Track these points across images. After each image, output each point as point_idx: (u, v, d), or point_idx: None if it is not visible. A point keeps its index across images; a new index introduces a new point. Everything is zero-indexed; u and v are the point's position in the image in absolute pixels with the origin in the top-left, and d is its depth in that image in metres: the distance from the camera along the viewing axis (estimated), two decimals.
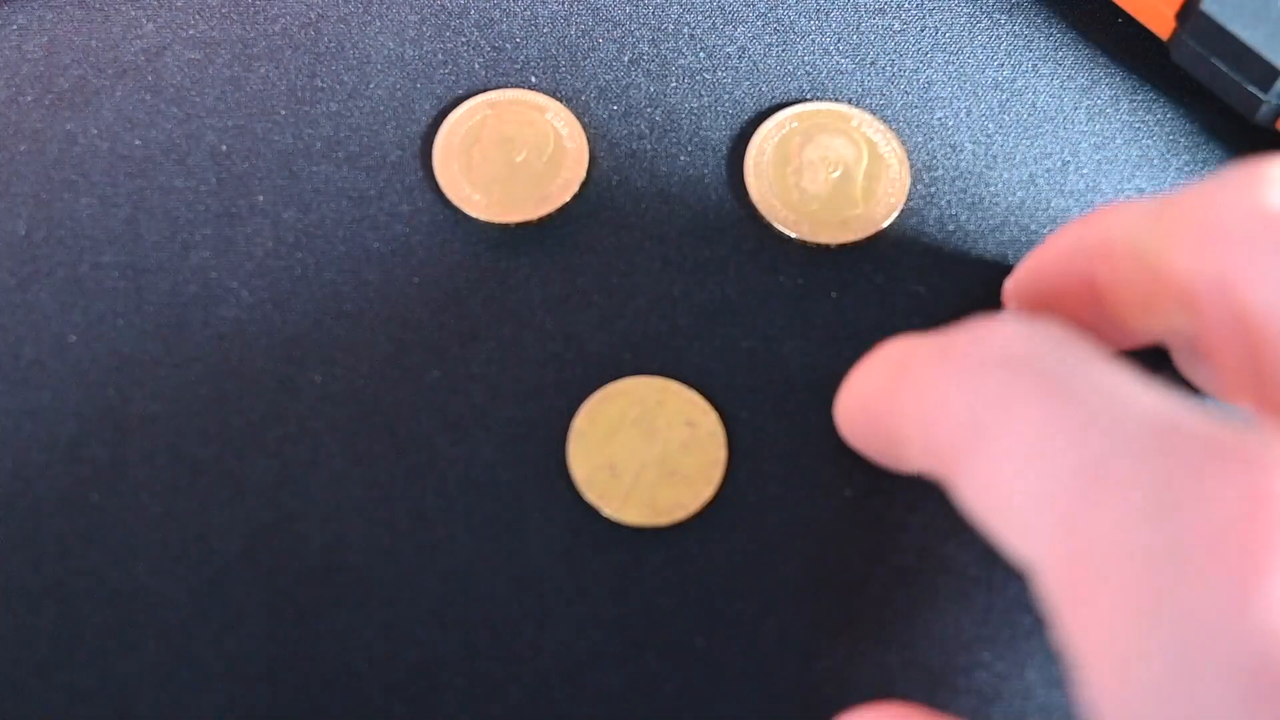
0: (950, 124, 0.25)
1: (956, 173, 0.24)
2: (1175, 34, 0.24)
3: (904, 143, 0.24)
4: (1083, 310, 0.21)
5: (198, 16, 0.25)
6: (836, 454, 0.22)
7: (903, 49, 0.25)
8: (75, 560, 0.21)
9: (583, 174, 0.24)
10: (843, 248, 0.24)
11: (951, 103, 0.25)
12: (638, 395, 0.22)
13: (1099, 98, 0.25)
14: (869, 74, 0.25)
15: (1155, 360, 0.22)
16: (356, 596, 0.21)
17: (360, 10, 0.25)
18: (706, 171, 0.24)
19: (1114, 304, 0.20)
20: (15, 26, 0.25)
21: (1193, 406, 0.16)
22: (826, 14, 0.26)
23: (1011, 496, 0.16)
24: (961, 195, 0.24)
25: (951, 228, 0.24)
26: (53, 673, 0.21)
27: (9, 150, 0.24)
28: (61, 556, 0.21)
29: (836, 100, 0.25)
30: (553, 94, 0.25)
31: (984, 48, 0.25)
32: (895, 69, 0.25)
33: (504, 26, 0.25)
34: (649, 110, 0.25)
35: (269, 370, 0.23)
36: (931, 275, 0.23)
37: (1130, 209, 0.20)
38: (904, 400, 0.18)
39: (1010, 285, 0.22)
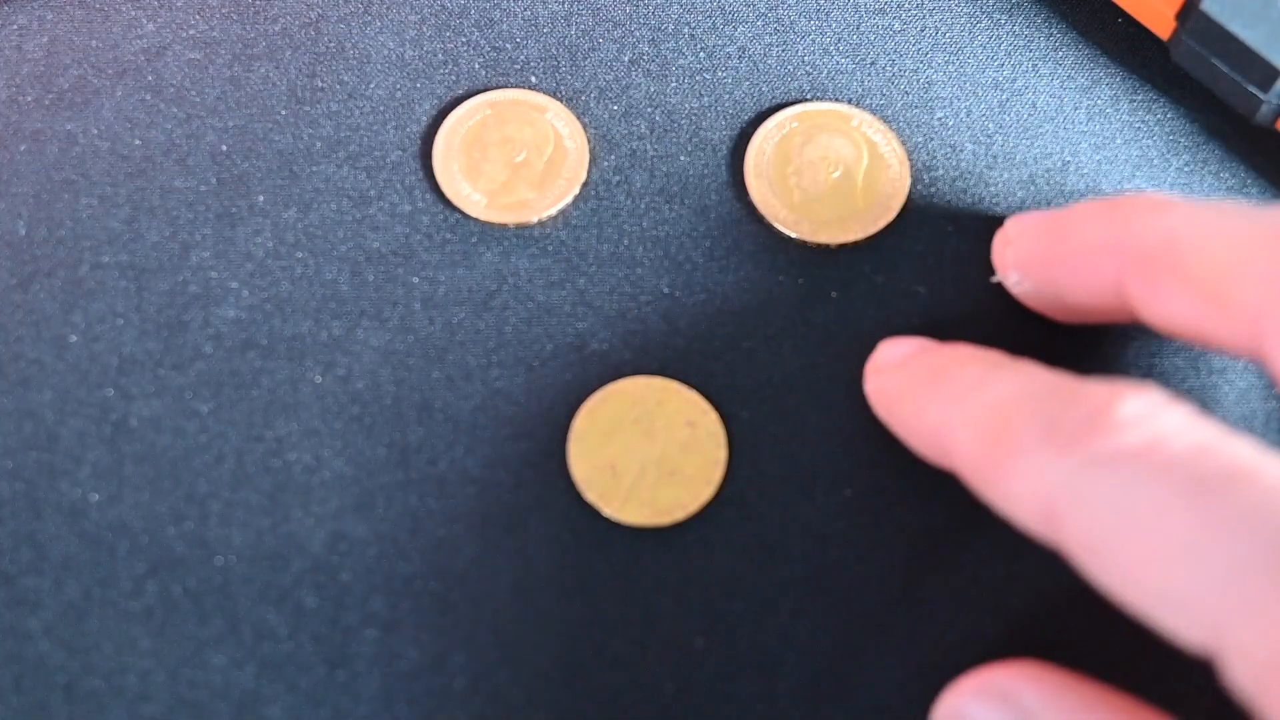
0: (950, 124, 0.25)
1: (956, 173, 0.24)
2: (1175, 34, 0.24)
3: (904, 143, 0.24)
4: (1100, 306, 0.20)
5: (198, 16, 0.25)
6: (836, 454, 0.22)
7: (903, 49, 0.25)
8: (75, 561, 0.21)
9: (583, 174, 0.24)
10: (843, 248, 0.24)
11: (951, 103, 0.25)
12: (638, 395, 0.22)
13: (1099, 98, 0.25)
14: (869, 74, 0.25)
15: None
16: (356, 596, 0.21)
17: (360, 10, 0.25)
18: (706, 171, 0.24)
19: (1147, 315, 0.19)
20: (15, 26, 0.25)
21: None
22: (826, 14, 0.25)
23: (1178, 588, 0.16)
24: (961, 195, 0.24)
25: (951, 228, 0.24)
26: (53, 673, 0.21)
27: (9, 150, 0.24)
28: (62, 556, 0.21)
29: (836, 100, 0.25)
30: (553, 94, 0.25)
31: (984, 48, 0.25)
32: (895, 69, 0.25)
33: (504, 26, 0.25)
34: (649, 110, 0.25)
35: (269, 370, 0.23)
36: (931, 275, 0.23)
37: (1168, 215, 0.19)
38: (1011, 478, 0.18)
39: (1010, 255, 0.22)
